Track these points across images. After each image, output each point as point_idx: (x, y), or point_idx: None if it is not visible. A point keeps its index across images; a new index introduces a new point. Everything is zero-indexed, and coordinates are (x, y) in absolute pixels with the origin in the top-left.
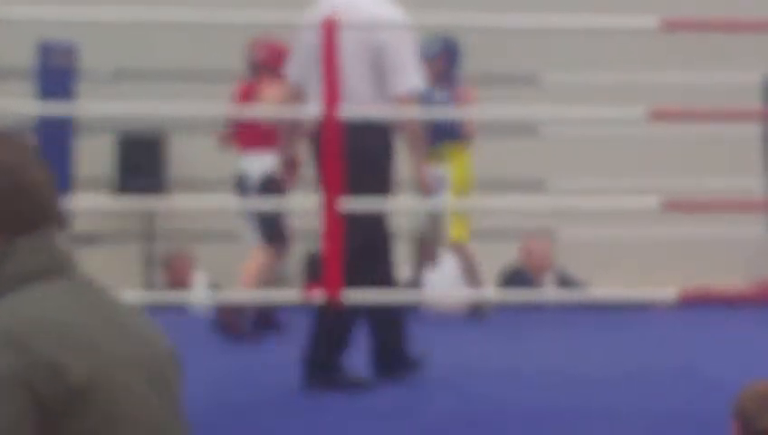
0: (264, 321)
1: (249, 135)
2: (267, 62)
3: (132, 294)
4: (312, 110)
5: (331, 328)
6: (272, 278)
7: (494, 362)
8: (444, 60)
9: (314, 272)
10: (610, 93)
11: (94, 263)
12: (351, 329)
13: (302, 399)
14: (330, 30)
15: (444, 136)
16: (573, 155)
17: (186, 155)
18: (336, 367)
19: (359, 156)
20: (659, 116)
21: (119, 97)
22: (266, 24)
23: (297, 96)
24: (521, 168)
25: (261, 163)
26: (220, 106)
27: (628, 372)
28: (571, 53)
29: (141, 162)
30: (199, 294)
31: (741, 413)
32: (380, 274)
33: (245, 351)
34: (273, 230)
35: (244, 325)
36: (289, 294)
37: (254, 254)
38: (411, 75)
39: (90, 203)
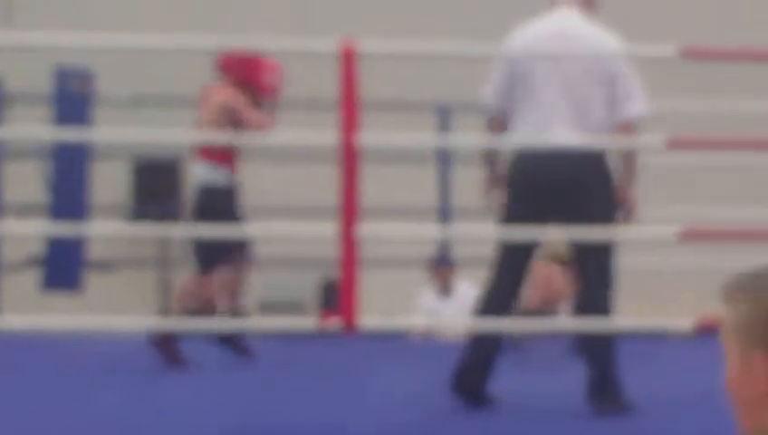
0: (234, 346)
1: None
2: (224, 69)
3: (146, 321)
4: (516, 138)
5: (480, 355)
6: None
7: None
8: None
9: (330, 299)
10: None
11: (110, 289)
12: (496, 356)
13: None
14: (349, 57)
15: None
16: None
17: None
18: (483, 394)
19: (599, 184)
20: (677, 144)
21: (134, 123)
22: (282, 51)
23: (500, 125)
24: None
25: (206, 172)
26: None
27: (648, 400)
28: None
29: (157, 188)
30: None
31: None
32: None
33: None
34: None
35: (180, 353)
36: (305, 322)
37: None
38: (639, 101)
39: (105, 229)
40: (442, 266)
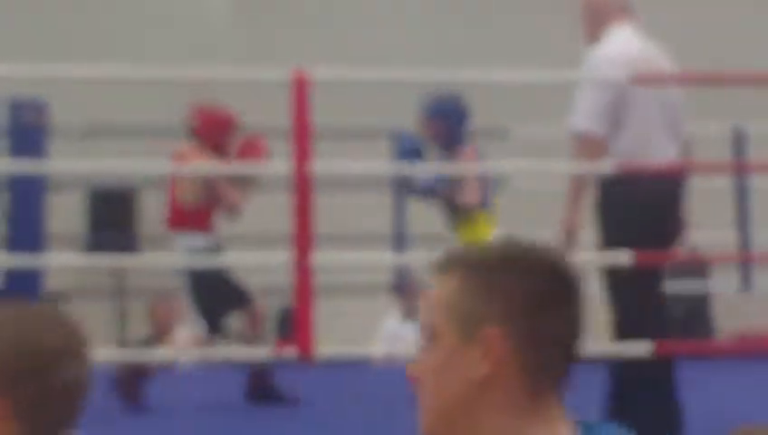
0: (261, 389)
1: (177, 216)
2: (199, 133)
3: (105, 353)
4: (612, 161)
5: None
6: None
7: None
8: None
9: (286, 328)
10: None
11: None
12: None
13: None
14: (301, 87)
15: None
16: (542, 208)
17: (156, 211)
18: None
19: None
20: (690, 168)
21: (89, 154)
22: (238, 81)
23: (601, 151)
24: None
25: (191, 243)
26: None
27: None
28: (540, 106)
29: (112, 218)
30: (183, 346)
31: None
32: (651, 327)
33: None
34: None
35: (142, 393)
36: (261, 352)
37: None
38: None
39: (61, 260)
40: (407, 290)
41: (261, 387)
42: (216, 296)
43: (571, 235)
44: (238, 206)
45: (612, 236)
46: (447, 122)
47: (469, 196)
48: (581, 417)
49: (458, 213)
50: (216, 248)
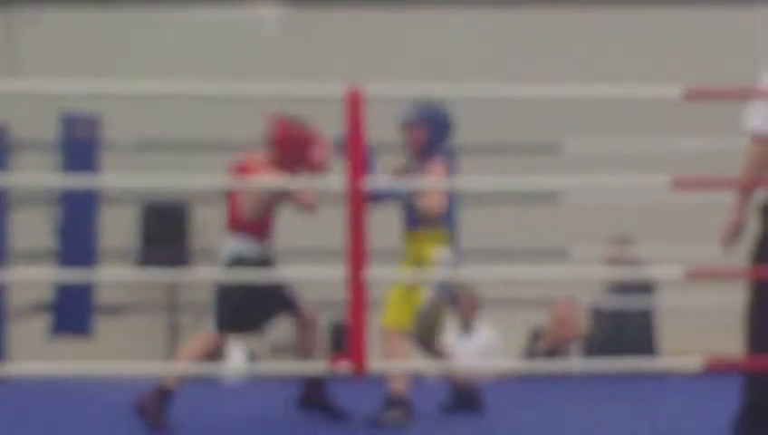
0: (315, 400)
1: (235, 221)
2: (277, 143)
3: (156, 366)
4: None
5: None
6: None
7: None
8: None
9: (340, 343)
10: (632, 162)
11: (119, 334)
12: None
13: None
14: (355, 103)
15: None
16: (595, 224)
17: (208, 225)
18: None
19: None
20: (682, 185)
21: (142, 168)
22: (288, 97)
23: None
24: (542, 237)
25: (238, 246)
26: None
27: None
28: (593, 122)
29: (165, 233)
30: (235, 364)
31: None
32: None
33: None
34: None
35: (163, 416)
36: (315, 366)
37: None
38: None
39: (114, 275)
40: (463, 303)
41: (315, 398)
42: (246, 301)
43: (734, 234)
44: (315, 205)
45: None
46: (428, 131)
47: (430, 202)
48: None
49: (415, 220)
50: (266, 258)
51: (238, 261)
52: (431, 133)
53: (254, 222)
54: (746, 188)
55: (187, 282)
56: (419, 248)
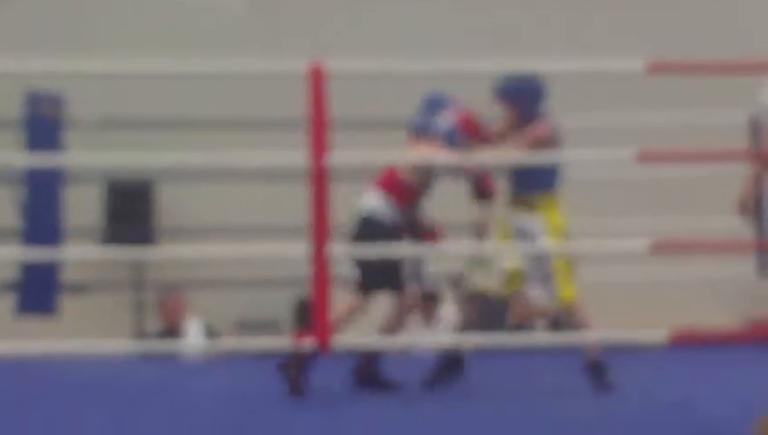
0: (367, 376)
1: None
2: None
3: (122, 344)
4: None
5: None
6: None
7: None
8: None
9: (305, 318)
10: (597, 135)
11: (85, 312)
12: None
13: None
14: (317, 78)
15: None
16: (562, 197)
17: (173, 203)
18: None
19: None
20: (647, 158)
21: (106, 146)
22: (251, 73)
23: None
24: None
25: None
26: (207, 154)
27: (622, 413)
28: (558, 97)
29: (130, 211)
30: (193, 341)
31: None
32: None
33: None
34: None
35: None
36: (279, 342)
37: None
38: None
39: (79, 253)
40: (425, 300)
41: (367, 373)
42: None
43: (744, 208)
44: (495, 192)
45: None
46: (520, 104)
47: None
48: None
49: (529, 185)
50: (397, 223)
51: (370, 220)
52: (523, 106)
53: (407, 188)
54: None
55: (152, 260)
56: (545, 215)
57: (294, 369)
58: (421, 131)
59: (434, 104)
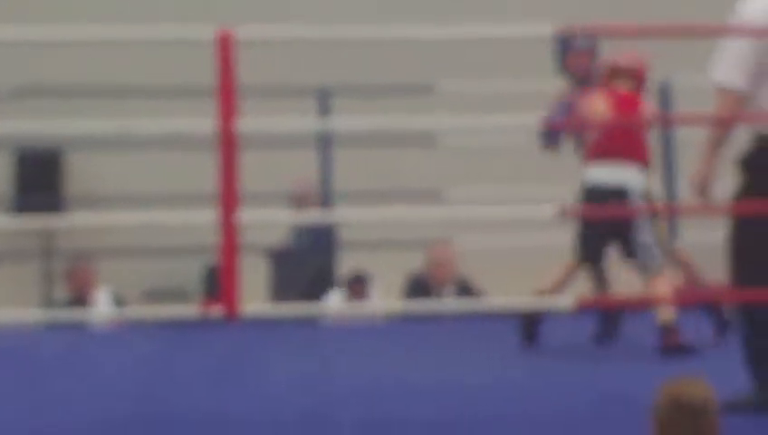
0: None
1: (623, 145)
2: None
3: (31, 313)
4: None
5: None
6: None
7: (390, 374)
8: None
9: (213, 286)
10: (505, 102)
11: None
12: None
13: None
14: (226, 45)
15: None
16: (469, 164)
17: (83, 172)
18: None
19: None
20: (553, 125)
21: (15, 114)
22: (164, 40)
23: (741, 108)
24: (418, 177)
25: (639, 176)
26: (116, 122)
27: (526, 379)
28: (466, 62)
29: (39, 180)
30: (102, 309)
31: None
32: None
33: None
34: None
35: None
36: (187, 310)
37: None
38: None
39: None
40: (356, 284)
41: (610, 331)
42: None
43: (702, 188)
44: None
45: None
46: (592, 58)
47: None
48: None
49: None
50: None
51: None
52: (593, 60)
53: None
54: (712, 142)
55: (61, 228)
56: None
57: (529, 321)
58: None
59: None
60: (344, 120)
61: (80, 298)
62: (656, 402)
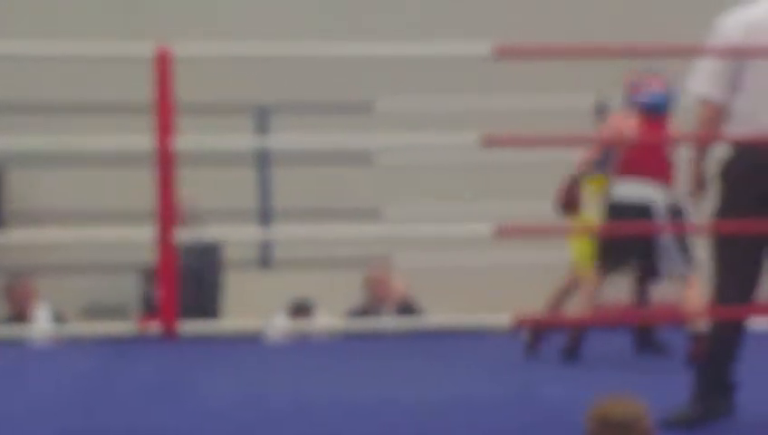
0: (645, 341)
1: (648, 164)
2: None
3: None
4: (735, 130)
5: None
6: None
7: (330, 391)
8: None
9: (151, 304)
10: (442, 120)
11: None
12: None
13: None
14: (164, 62)
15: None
16: (407, 182)
17: (24, 187)
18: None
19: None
20: (490, 142)
21: None
22: (103, 57)
23: (720, 119)
24: (356, 195)
25: (664, 193)
26: (56, 138)
27: (461, 398)
28: (403, 80)
29: None
30: (41, 326)
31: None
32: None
33: None
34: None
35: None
36: (125, 327)
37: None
38: None
39: None
40: (299, 312)
41: (648, 339)
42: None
43: (698, 189)
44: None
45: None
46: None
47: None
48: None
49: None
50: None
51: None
52: None
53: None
54: (699, 149)
55: (1, 245)
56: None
57: (573, 337)
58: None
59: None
60: (282, 138)
61: (19, 314)
62: (586, 419)
